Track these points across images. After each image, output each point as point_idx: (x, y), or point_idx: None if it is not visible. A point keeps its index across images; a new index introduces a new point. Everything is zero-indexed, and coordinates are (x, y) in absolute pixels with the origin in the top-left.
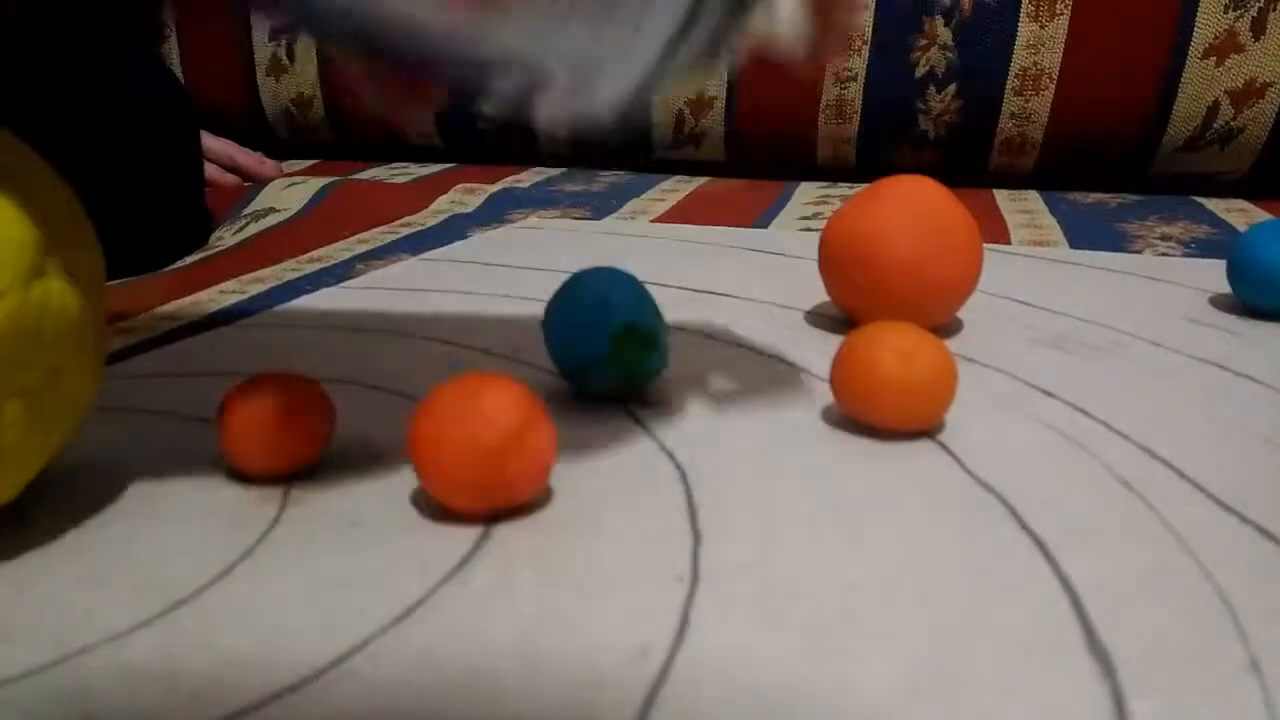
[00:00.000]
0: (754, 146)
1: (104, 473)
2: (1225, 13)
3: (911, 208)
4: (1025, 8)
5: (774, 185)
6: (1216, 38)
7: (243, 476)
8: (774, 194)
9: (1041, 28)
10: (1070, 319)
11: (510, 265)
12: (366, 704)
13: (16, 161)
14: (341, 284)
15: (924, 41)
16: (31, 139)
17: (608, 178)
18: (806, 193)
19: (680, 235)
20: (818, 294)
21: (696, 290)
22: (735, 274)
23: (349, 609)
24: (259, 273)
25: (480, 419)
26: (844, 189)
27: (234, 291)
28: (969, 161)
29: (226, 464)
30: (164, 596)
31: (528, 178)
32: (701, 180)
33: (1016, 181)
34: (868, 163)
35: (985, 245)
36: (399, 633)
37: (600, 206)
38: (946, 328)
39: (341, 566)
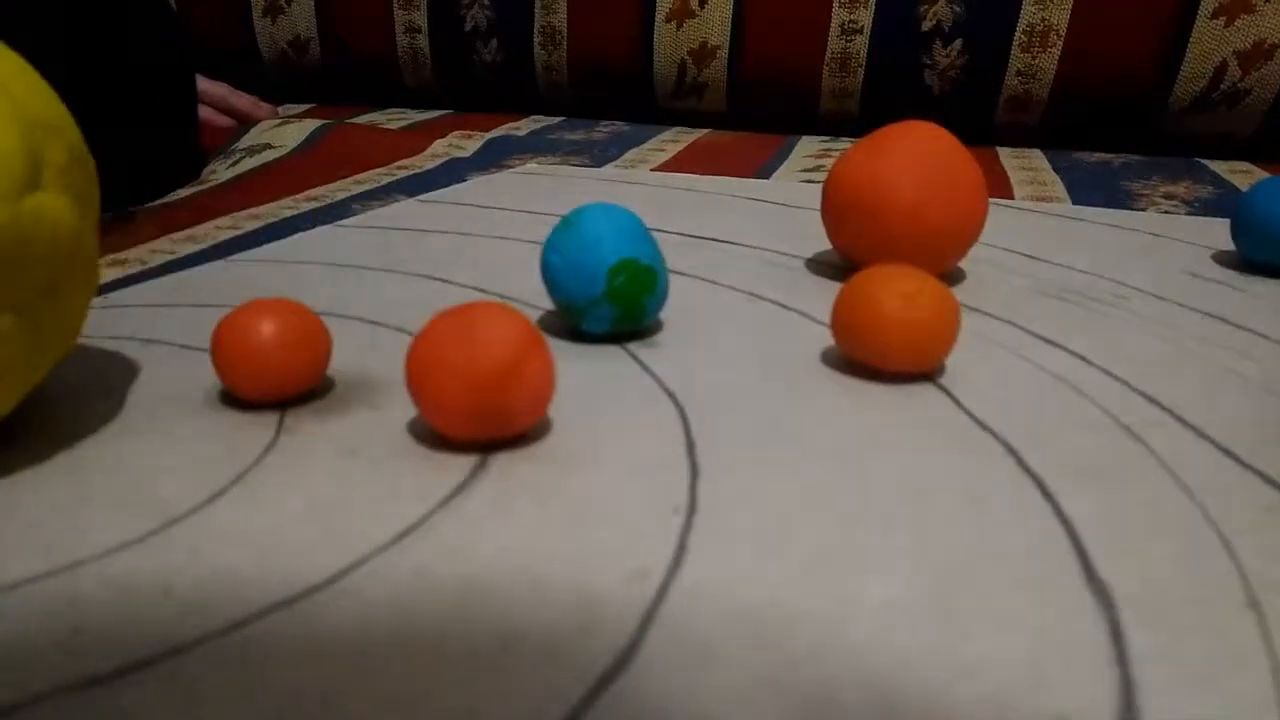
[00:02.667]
0: (756, 98)
1: (97, 396)
2: None
3: (916, 153)
4: None
5: (776, 138)
6: None
7: (237, 402)
8: (775, 146)
9: None
10: (1072, 271)
11: (507, 208)
12: (362, 619)
13: (9, 70)
14: (337, 223)
15: None
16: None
17: (607, 127)
18: (808, 146)
19: (680, 183)
20: (819, 243)
21: (696, 237)
22: (735, 222)
23: (344, 530)
24: (255, 210)
25: (478, 347)
26: (846, 143)
27: (229, 228)
28: (973, 118)
29: (221, 389)
30: (156, 515)
31: (526, 125)
32: (702, 132)
33: (1020, 139)
34: (871, 116)
35: (989, 199)
36: (395, 553)
37: (599, 155)
38: (949, 277)
39: (337, 491)
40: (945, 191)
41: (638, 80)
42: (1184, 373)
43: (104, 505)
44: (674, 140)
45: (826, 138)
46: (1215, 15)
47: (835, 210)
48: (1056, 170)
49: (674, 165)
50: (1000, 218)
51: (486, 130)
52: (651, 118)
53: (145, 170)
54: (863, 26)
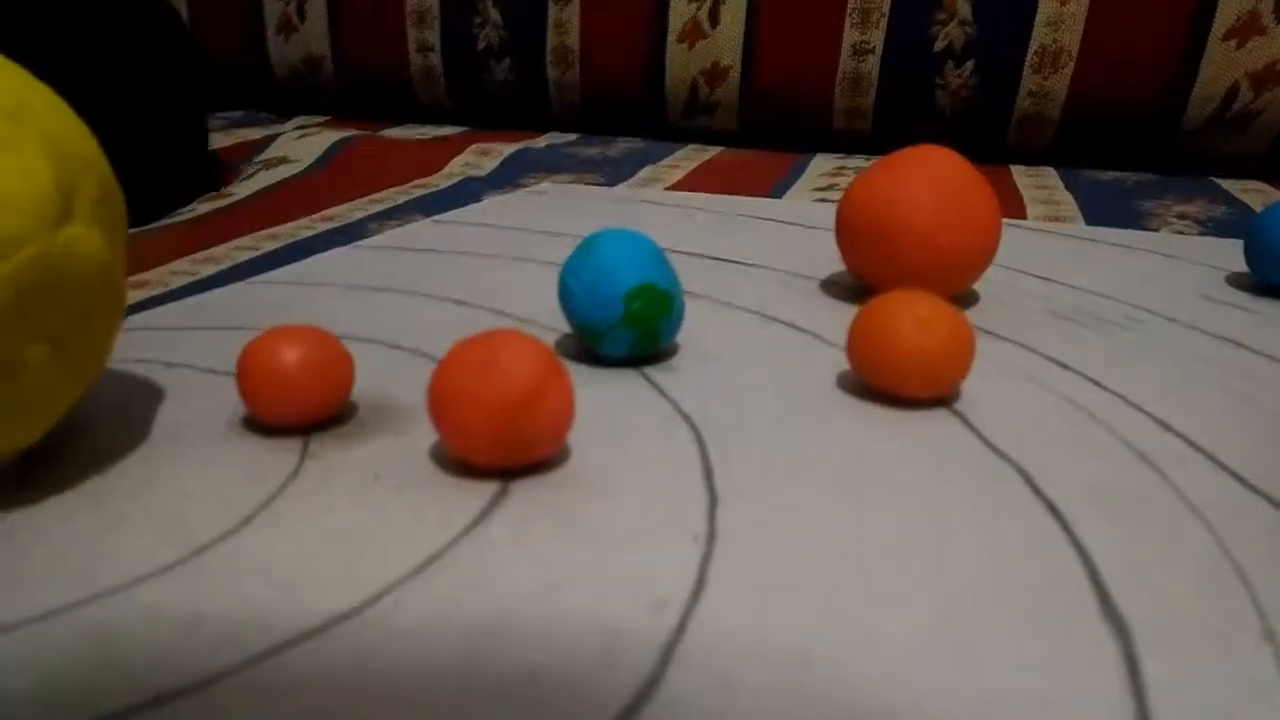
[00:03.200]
0: (768, 117)
1: (123, 421)
2: None
3: (930, 177)
4: None
5: (788, 157)
6: (1238, 19)
7: (261, 427)
8: (788, 165)
9: (1062, 5)
10: (1086, 294)
11: (524, 228)
12: (389, 651)
13: (39, 103)
14: (355, 244)
15: (943, 15)
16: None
17: (621, 144)
18: (821, 165)
19: (694, 203)
20: (833, 263)
21: (710, 257)
22: (750, 242)
23: (369, 559)
24: (273, 229)
25: (499, 376)
26: (859, 161)
27: (248, 248)
28: (985, 138)
29: (245, 414)
30: (185, 543)
31: (541, 141)
32: (716, 150)
33: (1033, 158)
34: (883, 136)
35: (1002, 220)
36: (419, 582)
37: (614, 173)
38: (962, 299)
39: (360, 519)
40: (959, 216)
41: (649, 99)
42: (1198, 398)
43: (133, 533)
44: (687, 158)
45: (839, 155)
46: (1227, 37)
47: (849, 233)
48: (1070, 189)
49: (688, 184)
50: (1014, 238)
51: (502, 144)
52: (664, 135)
53: (157, 181)
54: (874, 47)
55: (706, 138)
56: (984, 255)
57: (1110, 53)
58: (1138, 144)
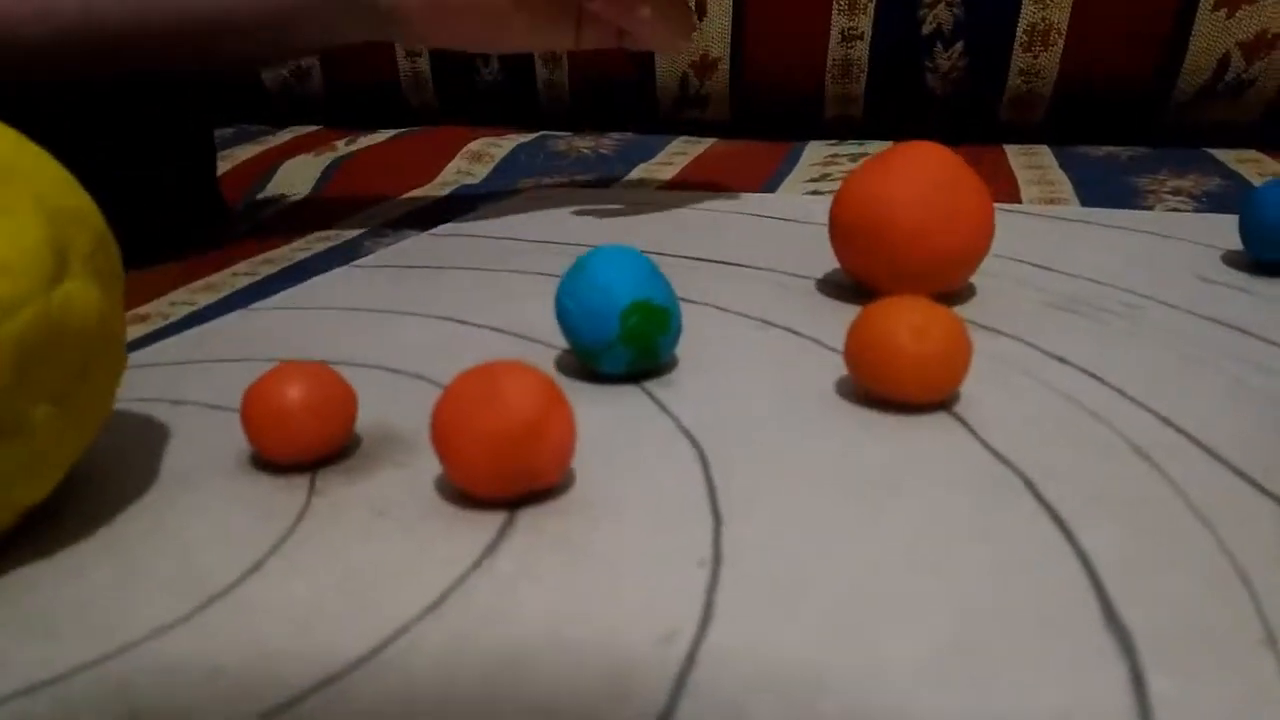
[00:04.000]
0: (760, 107)
1: (130, 465)
2: None
3: (921, 176)
4: None
5: (781, 146)
6: None
7: (268, 465)
8: (781, 155)
9: None
10: (1082, 280)
11: (519, 239)
12: (406, 692)
13: (28, 161)
14: (352, 264)
15: None
16: (40, 123)
17: (613, 138)
18: (814, 152)
19: (688, 201)
20: (828, 261)
21: (706, 260)
22: (744, 242)
23: (382, 599)
24: (269, 254)
25: (501, 408)
26: (852, 147)
27: (246, 274)
28: (977, 118)
29: (251, 451)
30: (199, 591)
31: (532, 140)
32: (708, 142)
33: (1026, 135)
34: (874, 121)
35: (996, 205)
36: (432, 621)
37: (607, 173)
38: (959, 292)
39: (371, 556)
40: (950, 213)
41: (640, 94)
42: (1198, 389)
43: (147, 584)
44: (681, 152)
45: (832, 142)
46: (1217, 7)
47: (842, 233)
48: (1064, 167)
49: (681, 180)
50: (1008, 224)
51: (494, 142)
52: (655, 129)
53: (164, 225)
54: (863, 33)
55: (698, 129)
56: (977, 252)
57: (1100, 28)
58: (1131, 117)
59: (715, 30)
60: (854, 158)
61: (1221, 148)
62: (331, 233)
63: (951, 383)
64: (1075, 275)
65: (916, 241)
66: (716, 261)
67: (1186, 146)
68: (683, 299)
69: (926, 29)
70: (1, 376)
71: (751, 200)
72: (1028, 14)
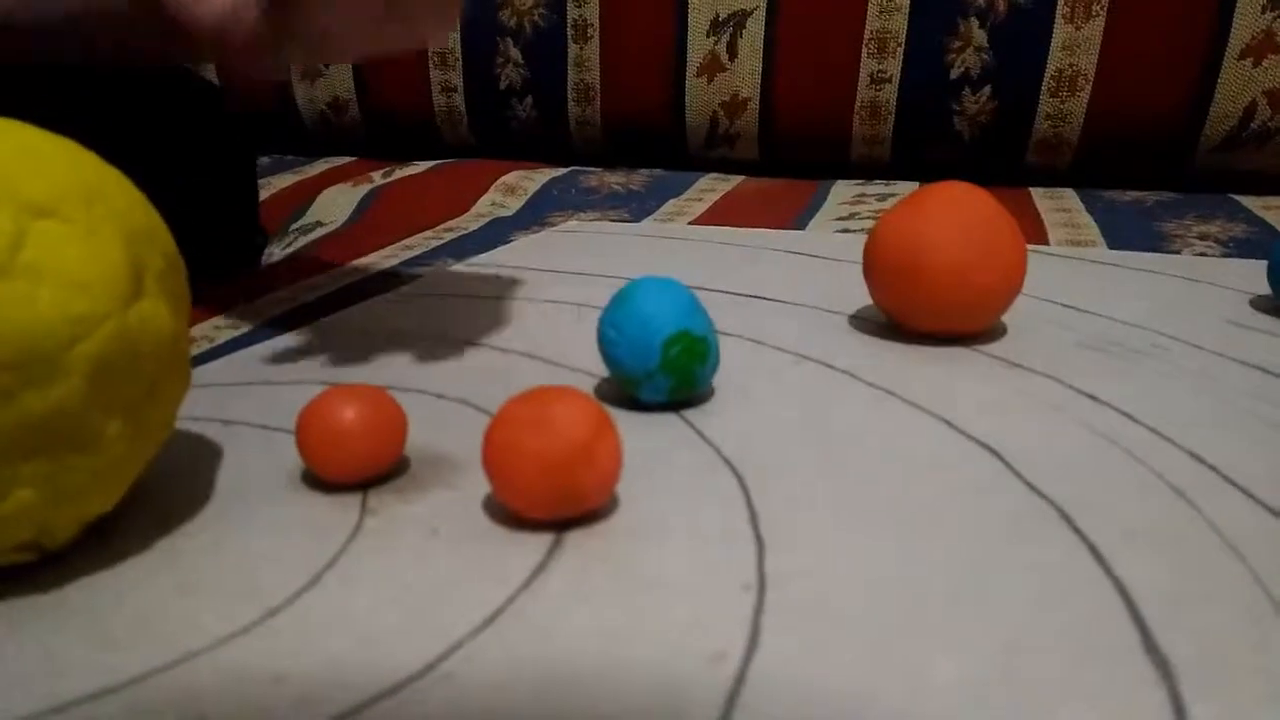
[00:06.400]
0: (788, 147)
1: (187, 480)
2: (1263, 13)
3: (955, 215)
4: (1060, 9)
5: (809, 184)
6: (1254, 38)
7: (321, 484)
8: (809, 194)
9: (1077, 29)
10: (1112, 321)
11: (555, 270)
12: (461, 706)
13: (110, 184)
14: (393, 292)
15: (958, 43)
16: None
17: (643, 175)
18: (842, 192)
19: (719, 237)
20: (859, 297)
21: (740, 294)
22: (777, 277)
23: (436, 615)
24: (312, 280)
25: (551, 432)
26: (879, 186)
27: (287, 299)
28: (1004, 160)
29: (303, 470)
30: (259, 604)
31: (564, 174)
32: (737, 179)
33: (1052, 179)
34: (902, 162)
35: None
36: (486, 637)
37: (638, 208)
38: (991, 332)
39: (424, 574)
40: (984, 253)
41: (670, 132)
42: (1228, 428)
43: (208, 595)
44: (710, 189)
45: (859, 181)
46: (1243, 56)
47: (877, 271)
48: (1090, 211)
49: (711, 216)
50: (1037, 265)
51: (528, 177)
52: (685, 166)
53: (207, 244)
54: (892, 76)
55: (727, 167)
56: (1010, 291)
57: (1127, 75)
58: (1157, 163)
59: (746, 70)
60: (881, 197)
61: (1248, 194)
62: (371, 260)
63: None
64: (1105, 316)
65: (950, 280)
66: (750, 296)
67: (1213, 192)
68: (719, 331)
69: (955, 73)
70: (78, 391)
71: (782, 237)
72: (1056, 60)
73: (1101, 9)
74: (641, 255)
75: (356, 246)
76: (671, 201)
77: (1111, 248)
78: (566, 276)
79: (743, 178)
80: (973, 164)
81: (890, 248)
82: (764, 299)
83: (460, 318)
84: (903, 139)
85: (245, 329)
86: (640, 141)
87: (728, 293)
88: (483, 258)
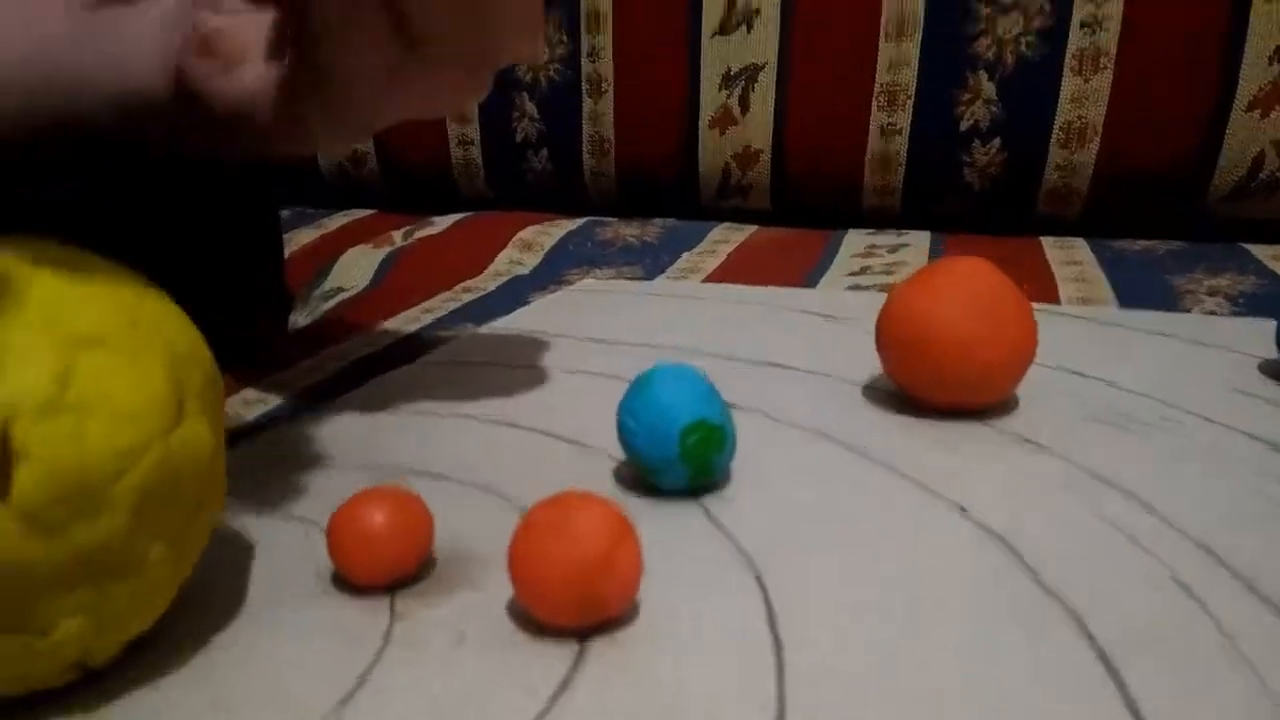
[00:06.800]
0: (800, 196)
1: (217, 582)
2: (1270, 65)
3: (964, 292)
4: (1069, 62)
5: (821, 234)
6: (1260, 90)
7: (349, 585)
8: (821, 245)
9: (1085, 81)
10: (1121, 391)
11: (572, 336)
12: None
13: (152, 305)
14: (416, 361)
15: (968, 96)
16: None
17: (658, 225)
18: (854, 242)
19: (731, 296)
20: (871, 363)
21: (754, 362)
22: (790, 341)
23: None
24: (338, 347)
25: (573, 540)
26: (891, 236)
27: (314, 369)
28: (1014, 210)
29: (332, 570)
30: None
31: (580, 226)
32: (750, 229)
33: (1063, 228)
34: (913, 212)
35: (1035, 304)
36: None
37: (653, 263)
38: (1003, 405)
39: (451, 684)
40: (994, 329)
41: (683, 183)
42: (1238, 514)
43: (244, 712)
44: (723, 240)
45: (870, 231)
46: (1250, 108)
47: (887, 346)
48: (1100, 263)
49: (724, 273)
50: (1048, 327)
51: (544, 230)
52: (698, 215)
53: (232, 311)
54: (902, 128)
55: (740, 216)
56: (1019, 365)
57: (1135, 127)
58: (1167, 212)
59: (757, 124)
60: (892, 248)
61: (1259, 243)
62: (394, 324)
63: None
64: (1115, 385)
65: (958, 356)
66: (764, 364)
67: (1224, 240)
68: (734, 405)
69: (964, 125)
70: (125, 523)
71: (795, 296)
72: (1064, 112)
73: (1109, 62)
74: (657, 316)
75: (379, 311)
76: (685, 255)
77: (1122, 304)
78: (584, 344)
79: (755, 228)
80: (984, 212)
81: (900, 322)
82: (778, 366)
83: (482, 390)
84: (913, 189)
85: (275, 403)
86: (654, 192)
87: (742, 360)
88: (502, 323)
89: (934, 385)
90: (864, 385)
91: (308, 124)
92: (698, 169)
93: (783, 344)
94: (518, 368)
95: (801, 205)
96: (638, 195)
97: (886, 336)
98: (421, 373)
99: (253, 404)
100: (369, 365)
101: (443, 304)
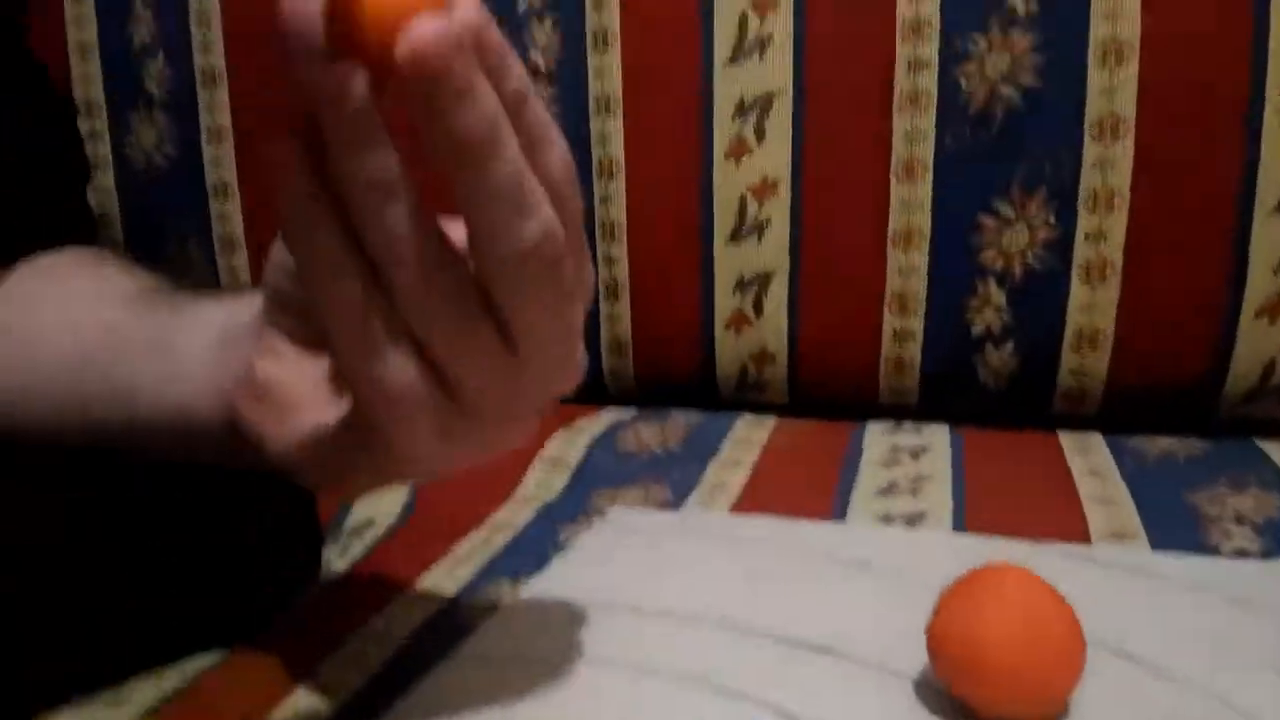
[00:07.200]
0: (816, 393)
1: None
2: (1275, 274)
3: (1014, 615)
4: (1075, 271)
5: (841, 432)
6: (1268, 298)
7: None
8: (842, 449)
9: (1093, 290)
10: (1171, 684)
11: (608, 603)
12: None
13: None
14: (452, 657)
15: (977, 302)
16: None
17: (679, 424)
18: (875, 445)
19: (762, 536)
20: (917, 642)
21: (796, 645)
22: (827, 607)
23: None
24: (375, 620)
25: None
26: (911, 436)
27: (355, 656)
28: (1029, 408)
29: None
30: None
31: (600, 424)
32: (770, 422)
33: (1080, 423)
34: (930, 407)
35: (1064, 546)
36: None
37: (680, 480)
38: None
39: None
40: (1044, 651)
41: (701, 383)
42: None
43: None
44: (745, 440)
45: (890, 426)
46: (1259, 315)
47: (937, 659)
48: (1123, 474)
49: (752, 495)
50: (1085, 585)
51: (563, 426)
52: (717, 405)
53: (267, 562)
54: (914, 333)
55: (759, 407)
56: (1071, 680)
57: (1146, 334)
58: (1183, 412)
59: (772, 327)
60: (915, 454)
61: (1274, 438)
62: (426, 588)
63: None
64: (1164, 676)
65: (1011, 682)
66: (808, 647)
67: (1240, 434)
68: (761, 703)
69: (976, 331)
70: None
71: (826, 536)
72: (1074, 319)
73: (1115, 271)
74: (688, 564)
75: (411, 559)
76: (710, 467)
77: (1154, 544)
78: (621, 617)
79: (774, 420)
80: (998, 411)
81: (949, 642)
82: (821, 650)
83: (527, 701)
84: (929, 389)
85: (321, 709)
86: (673, 390)
87: (784, 640)
88: (539, 584)
89: (987, 704)
90: (914, 679)
91: (358, 473)
92: (715, 369)
93: (824, 613)
94: (556, 667)
95: (819, 400)
96: (657, 390)
97: (935, 650)
98: (460, 675)
99: (301, 717)
100: (412, 649)
101: (476, 551)
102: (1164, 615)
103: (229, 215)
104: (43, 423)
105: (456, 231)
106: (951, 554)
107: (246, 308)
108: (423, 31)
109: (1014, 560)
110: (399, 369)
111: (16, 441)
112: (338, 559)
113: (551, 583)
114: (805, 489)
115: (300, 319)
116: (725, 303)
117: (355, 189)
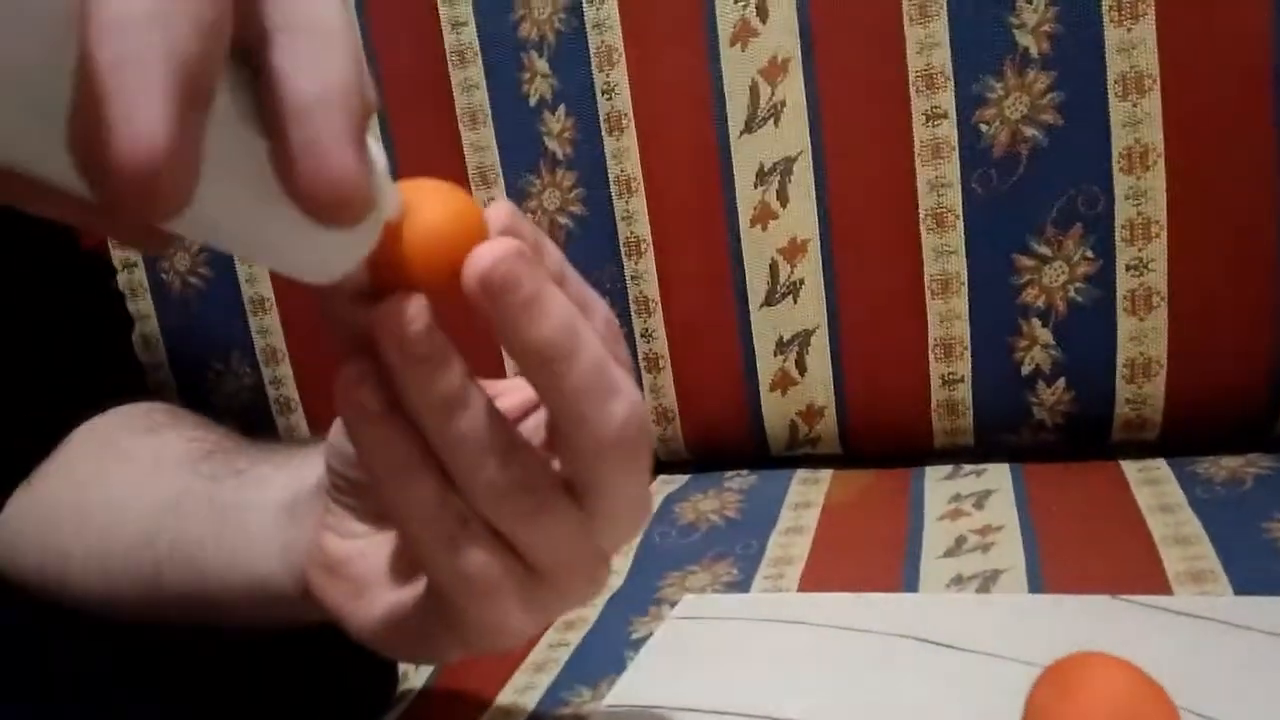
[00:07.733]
0: (869, 442)
1: None
2: None
3: (1105, 707)
4: (1120, 303)
5: (899, 483)
6: None
7: None
8: (904, 504)
9: (1141, 320)
10: None
11: (698, 709)
12: None
13: None
14: None
15: (1024, 342)
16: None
17: (734, 490)
18: (936, 495)
19: (838, 617)
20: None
21: None
22: (919, 700)
23: None
24: None
25: None
26: (971, 480)
27: None
28: (1089, 440)
29: None
30: None
31: (659, 508)
32: (825, 477)
33: (1142, 449)
34: (986, 447)
35: (1143, 598)
36: None
37: (743, 556)
38: None
39: None
40: None
41: (752, 444)
42: None
43: None
44: (805, 502)
45: (948, 470)
46: None
47: None
48: (1192, 503)
49: (817, 568)
50: (1168, 648)
51: None
52: (769, 464)
53: (345, 679)
54: (963, 376)
55: (812, 461)
56: None
57: (1199, 359)
58: (1243, 433)
59: (817, 381)
60: (978, 502)
61: None
62: (507, 701)
63: None
64: None
65: None
66: None
67: None
68: None
69: (1025, 370)
70: None
71: (901, 611)
72: (1125, 350)
73: (1161, 299)
74: (767, 659)
75: (486, 668)
76: (773, 536)
77: (1233, 582)
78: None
79: (830, 474)
80: (1058, 444)
81: None
82: None
83: None
84: (984, 428)
85: None
86: (723, 453)
87: None
88: (618, 698)
89: None
90: None
91: (442, 647)
92: (764, 429)
93: (912, 703)
94: None
95: (871, 449)
96: (708, 454)
97: None
98: None
99: None
100: None
101: (551, 653)
102: (1253, 676)
103: (269, 328)
104: (124, 600)
105: (509, 398)
106: (1033, 623)
107: (311, 470)
108: (482, 261)
109: (1096, 623)
110: (477, 557)
111: (110, 621)
112: (414, 673)
113: (631, 690)
114: (871, 552)
115: (366, 499)
116: (767, 365)
117: (425, 408)
